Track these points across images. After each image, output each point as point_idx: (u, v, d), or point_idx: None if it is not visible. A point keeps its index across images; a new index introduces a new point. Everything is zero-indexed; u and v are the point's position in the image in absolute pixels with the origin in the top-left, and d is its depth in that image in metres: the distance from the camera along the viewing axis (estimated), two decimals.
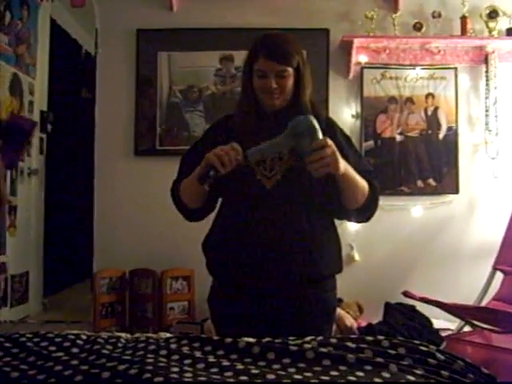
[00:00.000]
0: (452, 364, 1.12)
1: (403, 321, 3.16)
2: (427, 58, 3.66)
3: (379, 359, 1.13)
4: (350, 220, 1.84)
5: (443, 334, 3.03)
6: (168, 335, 1.37)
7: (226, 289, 1.74)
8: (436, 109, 3.65)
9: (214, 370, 1.12)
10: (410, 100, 3.65)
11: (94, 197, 3.69)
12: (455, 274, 3.51)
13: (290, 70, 1.63)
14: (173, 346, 1.24)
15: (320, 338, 1.25)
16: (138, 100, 3.67)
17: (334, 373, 1.08)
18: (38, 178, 3.96)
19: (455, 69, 3.65)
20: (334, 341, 1.22)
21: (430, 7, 3.63)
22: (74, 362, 1.13)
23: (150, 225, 3.60)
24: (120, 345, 1.27)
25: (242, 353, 1.20)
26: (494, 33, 3.55)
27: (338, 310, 3.05)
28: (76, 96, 5.09)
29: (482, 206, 3.62)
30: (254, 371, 1.09)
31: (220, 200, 1.79)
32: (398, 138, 3.65)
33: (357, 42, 3.53)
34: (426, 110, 3.65)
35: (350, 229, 3.46)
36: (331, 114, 1.90)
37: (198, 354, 1.20)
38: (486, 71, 3.61)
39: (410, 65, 3.66)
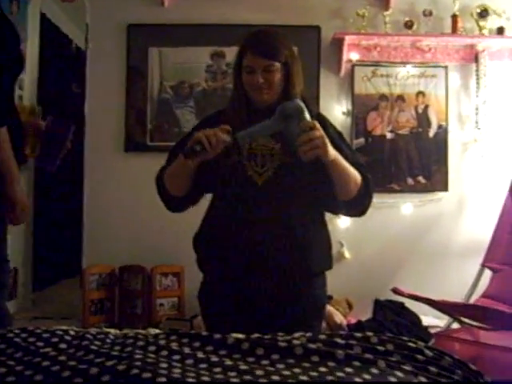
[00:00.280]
0: (440, 360, 1.13)
1: (392, 318, 3.17)
2: (418, 56, 3.68)
3: (368, 355, 1.13)
4: (344, 213, 1.84)
5: (432, 330, 3.05)
6: (157, 331, 1.36)
7: (216, 285, 1.74)
8: (426, 107, 3.66)
9: (203, 365, 1.11)
10: (400, 98, 3.66)
11: (84, 192, 3.67)
12: (444, 271, 3.53)
13: (278, 64, 1.63)
14: (161, 342, 1.24)
15: (309, 334, 1.25)
16: (128, 96, 3.65)
17: (322, 369, 1.09)
18: (27, 173, 3.93)
19: (446, 67, 3.67)
20: (323, 337, 1.22)
21: (421, 5, 3.64)
22: (62, 358, 1.12)
23: (139, 221, 3.58)
24: (108, 341, 1.27)
25: (230, 349, 1.20)
26: (485, 31, 3.57)
27: (328, 307, 3.06)
28: (66, 91, 5.06)
29: (471, 203, 3.65)
30: (243, 367, 1.09)
31: (210, 196, 1.79)
32: (389, 135, 3.66)
33: (348, 39, 3.54)
34: (416, 108, 3.67)
35: (340, 226, 3.47)
36: (322, 111, 1.90)
37: (186, 349, 1.20)
38: (477, 70, 3.63)
39: (401, 63, 3.67)
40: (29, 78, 3.92)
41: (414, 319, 3.21)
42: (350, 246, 3.58)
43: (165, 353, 1.18)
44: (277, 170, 1.66)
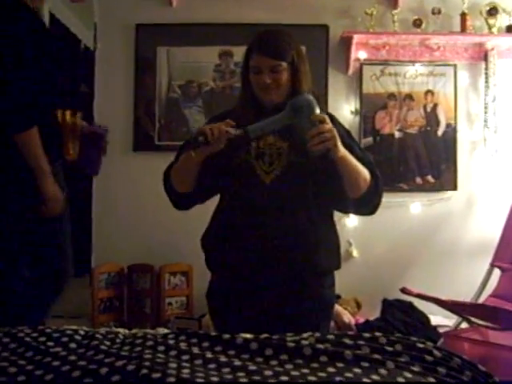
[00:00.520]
0: (449, 361, 1.13)
1: (401, 317, 3.16)
2: (426, 55, 3.66)
3: (376, 356, 1.13)
4: (353, 212, 1.85)
5: (441, 330, 3.04)
6: (166, 331, 1.37)
7: (224, 284, 1.74)
8: (435, 105, 3.64)
9: (212, 366, 1.12)
10: (409, 97, 3.65)
11: (93, 192, 3.68)
12: (453, 270, 3.52)
13: (285, 64, 1.64)
14: (171, 342, 1.24)
15: (317, 334, 1.25)
16: (136, 95, 3.66)
17: (331, 369, 1.09)
18: None
19: (454, 66, 3.65)
20: (331, 337, 1.23)
21: (429, 4, 3.62)
22: (72, 358, 1.13)
23: (148, 220, 3.59)
24: (118, 340, 1.28)
25: (239, 349, 1.20)
26: (494, 30, 3.54)
27: (336, 307, 3.06)
28: (74, 90, 5.07)
29: (481, 202, 3.62)
30: (252, 367, 1.10)
31: (219, 195, 1.80)
32: (397, 134, 3.65)
33: (356, 38, 3.52)
34: (425, 107, 3.65)
35: (348, 225, 3.47)
36: (330, 110, 1.90)
37: (195, 350, 1.21)
38: (486, 68, 3.61)
39: (410, 61, 3.65)
40: None
41: (423, 319, 3.20)
42: (359, 245, 3.57)
43: (174, 353, 1.19)
44: (285, 169, 1.66)
